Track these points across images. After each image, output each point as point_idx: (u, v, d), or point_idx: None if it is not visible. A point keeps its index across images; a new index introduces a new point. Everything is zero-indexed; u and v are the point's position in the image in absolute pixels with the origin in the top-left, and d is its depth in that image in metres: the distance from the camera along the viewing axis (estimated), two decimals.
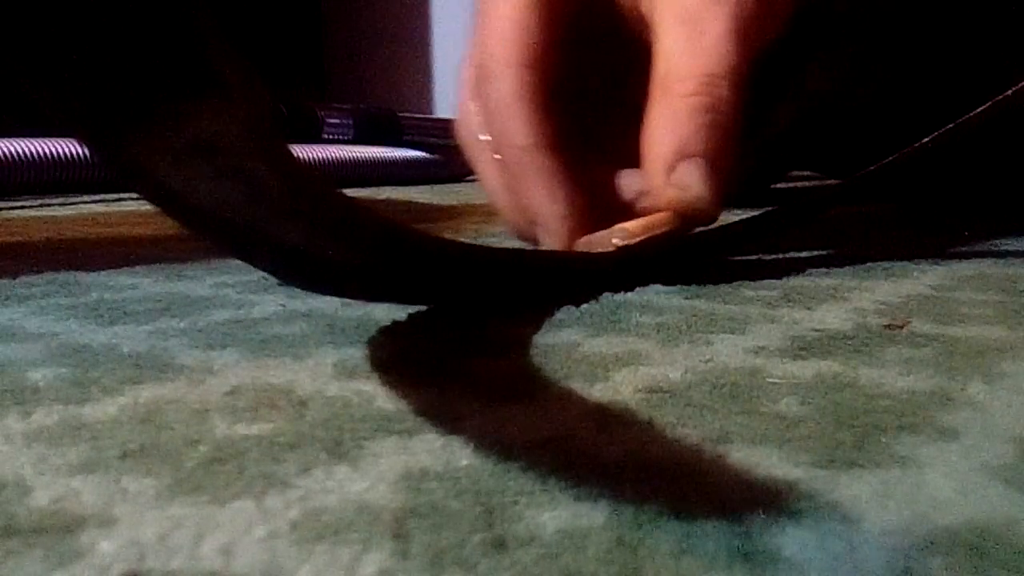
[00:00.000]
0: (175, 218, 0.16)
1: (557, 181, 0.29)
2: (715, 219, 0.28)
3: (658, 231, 0.26)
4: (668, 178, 0.27)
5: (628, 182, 0.30)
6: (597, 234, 0.27)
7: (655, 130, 0.28)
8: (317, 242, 0.18)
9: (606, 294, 0.24)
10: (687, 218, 0.27)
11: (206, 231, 0.17)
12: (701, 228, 0.29)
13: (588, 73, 0.33)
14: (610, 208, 0.30)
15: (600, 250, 0.26)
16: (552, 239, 0.29)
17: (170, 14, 0.12)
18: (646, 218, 0.27)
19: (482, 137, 0.31)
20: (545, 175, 0.29)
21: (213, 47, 0.12)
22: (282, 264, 0.19)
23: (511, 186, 0.30)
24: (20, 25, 0.11)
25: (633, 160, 0.29)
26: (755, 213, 0.31)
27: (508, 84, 0.30)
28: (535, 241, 0.30)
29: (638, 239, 0.26)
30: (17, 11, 0.11)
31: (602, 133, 0.33)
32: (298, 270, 0.20)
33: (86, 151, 0.71)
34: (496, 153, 0.31)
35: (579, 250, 0.27)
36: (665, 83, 0.28)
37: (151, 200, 0.15)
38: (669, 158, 0.27)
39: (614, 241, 0.26)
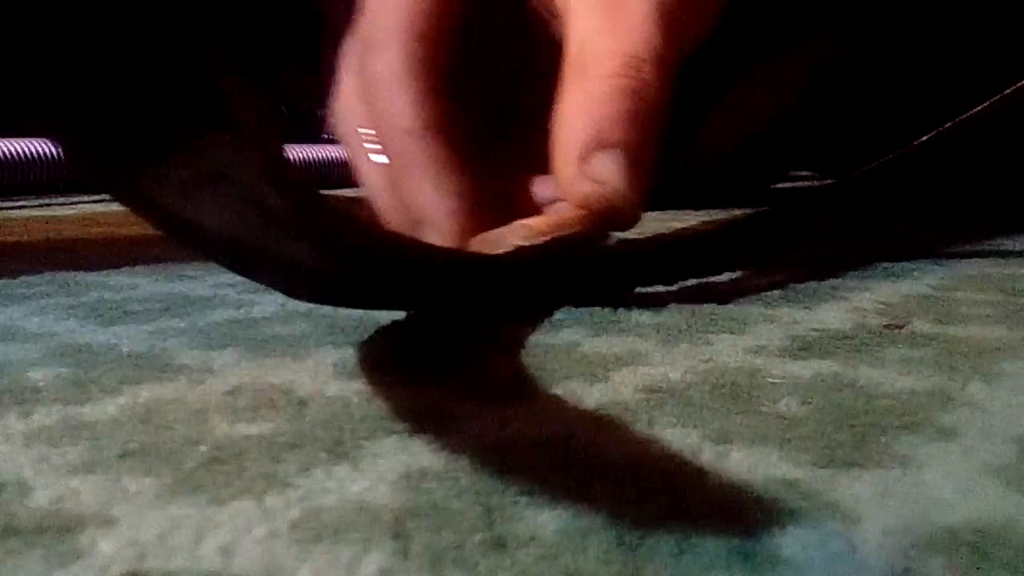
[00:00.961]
0: (183, 243, 0.16)
1: (445, 171, 0.25)
2: (635, 222, 0.24)
3: (568, 231, 0.22)
4: (581, 169, 0.23)
5: (540, 188, 0.27)
6: (494, 232, 0.23)
7: (568, 115, 0.24)
8: (324, 259, 0.18)
9: (606, 294, 0.24)
10: (602, 218, 0.23)
11: (214, 254, 0.17)
12: (619, 234, 0.25)
13: (493, 64, 0.29)
14: (517, 215, 0.25)
15: (498, 251, 0.22)
16: (437, 239, 0.25)
17: (183, 52, 0.12)
18: (554, 215, 0.23)
19: (361, 127, 0.27)
20: (431, 164, 0.25)
21: (226, 84, 0.12)
22: (289, 281, 0.19)
23: (393, 178, 0.26)
24: (34, 64, 0.11)
25: (544, 164, 0.25)
26: (752, 212, 0.31)
27: (393, 57, 0.25)
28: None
29: (544, 239, 0.22)
30: (31, 49, 0.11)
31: (509, 134, 0.29)
32: (305, 285, 0.20)
33: None
34: (376, 139, 0.26)
35: (472, 251, 0.24)
36: (581, 63, 0.24)
37: (159, 228, 0.15)
38: (583, 146, 0.23)
39: (513, 242, 0.22)
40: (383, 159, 0.26)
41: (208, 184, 0.14)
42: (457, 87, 0.27)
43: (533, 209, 0.26)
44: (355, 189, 0.29)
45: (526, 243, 0.22)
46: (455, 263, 0.22)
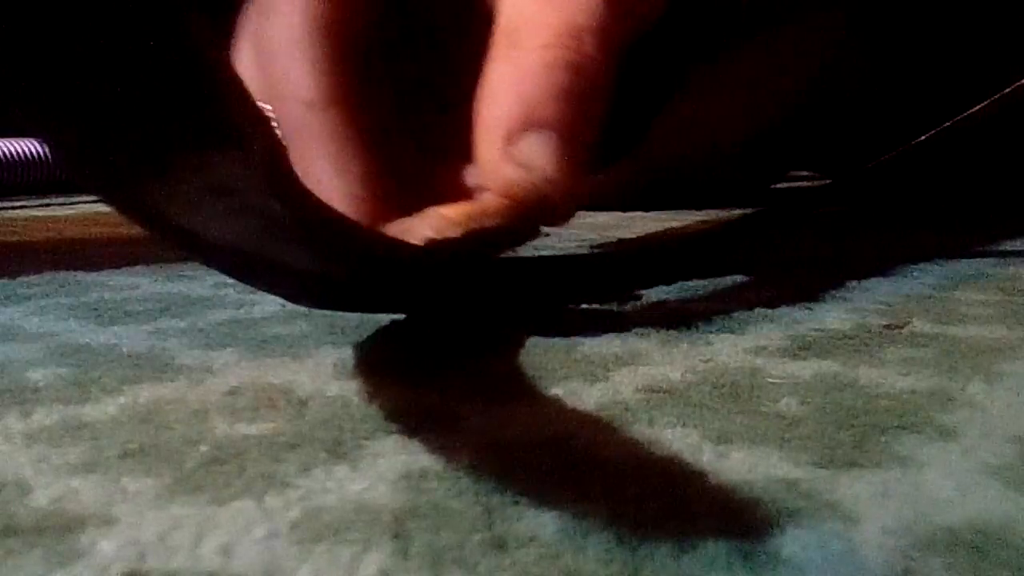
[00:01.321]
0: (186, 253, 0.16)
1: (347, 150, 0.22)
2: (568, 215, 0.21)
3: (488, 223, 0.19)
4: (506, 152, 0.20)
5: (470, 175, 0.23)
6: (404, 221, 0.20)
7: (494, 90, 0.20)
8: (327, 265, 0.18)
9: (606, 294, 0.24)
10: (529, 208, 0.20)
11: (216, 262, 0.17)
12: (548, 228, 0.22)
13: (413, 32, 0.26)
14: (426, 200, 0.21)
15: (411, 241, 0.19)
16: None
17: (190, 68, 0.12)
18: (474, 203, 0.20)
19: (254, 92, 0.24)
20: (331, 141, 0.22)
21: (230, 99, 0.12)
22: (290, 286, 0.19)
23: (291, 151, 0.22)
24: (44, 78, 0.11)
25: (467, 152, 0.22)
26: (752, 212, 0.31)
27: (293, 21, 0.22)
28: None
29: (459, 231, 0.19)
30: (41, 63, 0.11)
31: (433, 114, 0.25)
32: (306, 291, 0.20)
33: None
34: (271, 113, 0.23)
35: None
36: (512, 34, 0.21)
37: (162, 238, 0.15)
38: (509, 126, 0.20)
39: (424, 233, 0.19)
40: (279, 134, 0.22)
41: (213, 197, 0.14)
42: (369, 56, 0.24)
43: (460, 198, 0.22)
44: None
45: (438, 236, 0.19)
46: (452, 266, 0.22)
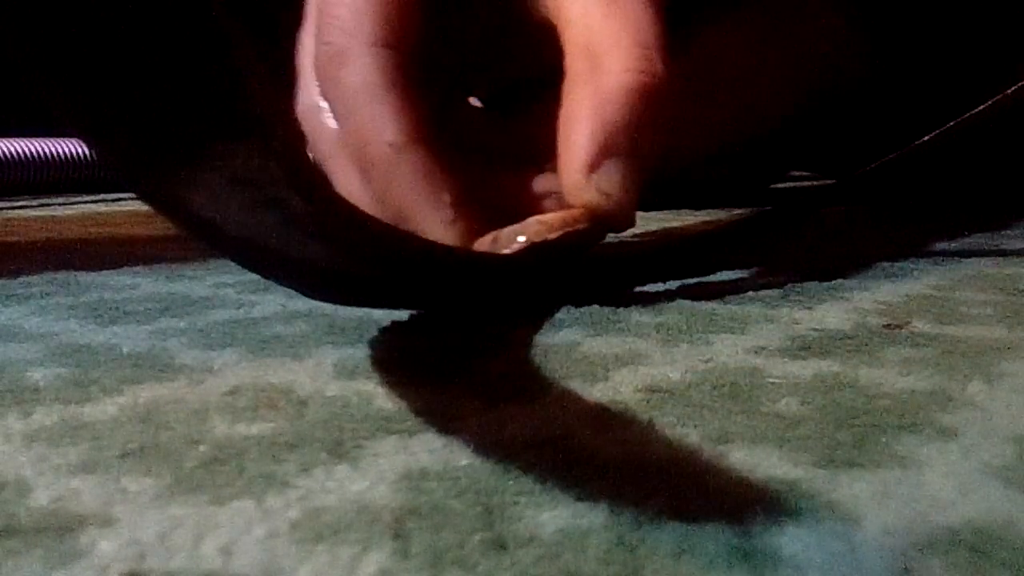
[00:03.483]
0: (206, 244, 0.16)
1: (435, 182, 0.24)
2: (631, 225, 0.24)
3: (578, 227, 0.23)
4: (587, 178, 0.23)
5: (537, 183, 0.26)
6: (506, 230, 0.23)
7: (577, 116, 0.23)
8: (344, 260, 0.18)
9: (606, 294, 0.24)
10: (602, 223, 0.24)
11: (236, 255, 0.17)
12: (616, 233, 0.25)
13: (465, 52, 0.28)
14: (503, 211, 0.25)
15: (508, 248, 0.22)
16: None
17: (215, 59, 0.12)
18: (562, 212, 0.23)
19: (335, 135, 0.26)
20: (420, 176, 0.24)
21: (254, 89, 0.12)
22: (307, 280, 0.19)
23: (379, 192, 0.25)
24: (64, 69, 0.11)
25: (533, 156, 0.25)
26: (752, 213, 0.31)
27: (367, 69, 0.24)
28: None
29: (556, 234, 0.22)
30: (61, 56, 0.11)
31: (491, 129, 0.28)
32: (322, 285, 0.20)
33: (86, 151, 0.71)
34: (356, 153, 0.25)
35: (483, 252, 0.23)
36: (590, 56, 0.23)
37: (182, 228, 0.15)
38: (591, 155, 0.23)
39: (528, 238, 0.22)
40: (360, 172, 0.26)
41: (235, 188, 0.14)
42: (436, 88, 0.26)
43: (528, 203, 0.26)
44: None
45: (538, 239, 0.22)
46: (470, 264, 0.22)
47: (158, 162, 0.13)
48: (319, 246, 0.17)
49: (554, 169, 0.24)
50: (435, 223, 0.24)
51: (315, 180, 0.15)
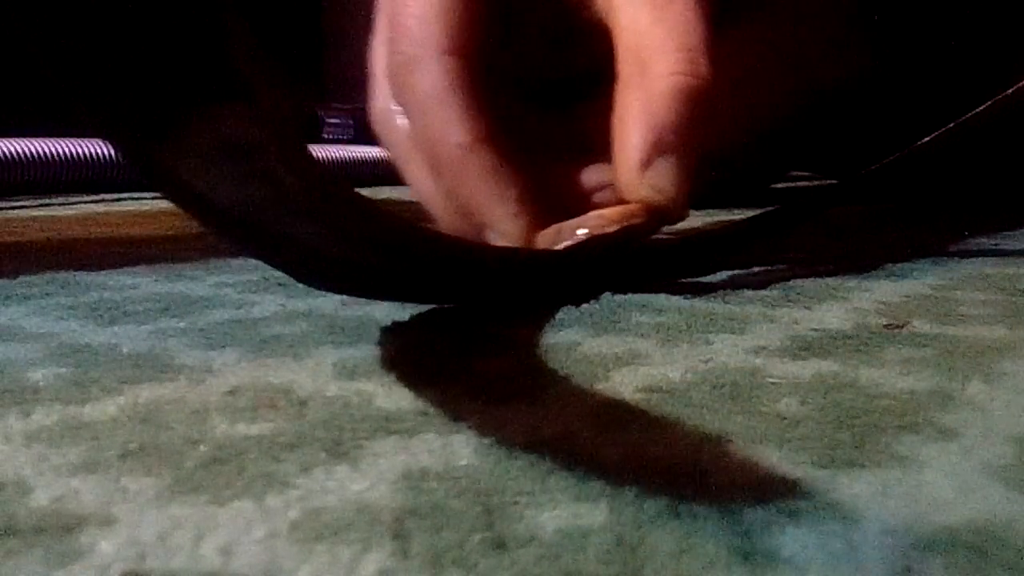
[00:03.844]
0: (196, 218, 0.16)
1: (503, 179, 0.26)
2: (683, 218, 0.26)
3: (635, 220, 0.25)
4: (641, 175, 0.25)
5: (588, 176, 0.28)
6: (567, 224, 0.25)
7: (629, 118, 0.25)
8: (337, 243, 0.18)
9: (606, 294, 0.24)
10: (657, 217, 0.26)
11: (226, 231, 0.17)
12: (669, 226, 0.27)
13: (524, 55, 0.30)
14: (556, 203, 0.27)
15: (567, 242, 0.25)
16: (505, 240, 0.26)
17: (199, 18, 0.12)
18: (621, 207, 0.25)
19: (406, 136, 0.28)
20: (489, 174, 0.26)
21: (240, 51, 0.12)
22: (301, 264, 0.19)
23: (450, 188, 0.27)
24: (51, 29, 0.11)
25: (584, 150, 0.27)
26: (755, 213, 0.31)
27: (436, 75, 0.26)
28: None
29: (615, 227, 0.25)
30: (48, 16, 0.11)
31: (530, 121, 0.30)
32: (317, 270, 0.20)
33: (86, 151, 0.71)
34: (427, 153, 0.27)
35: (541, 245, 0.25)
36: (638, 59, 0.25)
37: (173, 200, 0.15)
38: (644, 154, 0.25)
39: (581, 232, 0.24)
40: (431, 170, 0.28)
41: (223, 156, 0.14)
42: (500, 88, 0.28)
43: (580, 196, 0.28)
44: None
45: (599, 232, 0.24)
46: (478, 258, 0.22)
47: (146, 122, 0.13)
48: (313, 227, 0.17)
49: (603, 161, 0.26)
50: (502, 217, 0.26)
51: (303, 150, 0.15)
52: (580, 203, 0.27)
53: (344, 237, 0.17)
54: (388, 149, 0.30)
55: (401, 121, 0.28)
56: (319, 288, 0.22)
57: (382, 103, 0.29)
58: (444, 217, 0.28)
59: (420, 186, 0.29)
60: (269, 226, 0.16)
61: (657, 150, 0.25)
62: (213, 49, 0.12)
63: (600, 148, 0.26)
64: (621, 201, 0.26)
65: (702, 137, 0.25)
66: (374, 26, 0.30)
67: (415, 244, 0.19)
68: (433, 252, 0.20)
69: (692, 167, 0.25)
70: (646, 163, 0.25)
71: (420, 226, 0.20)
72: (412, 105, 0.27)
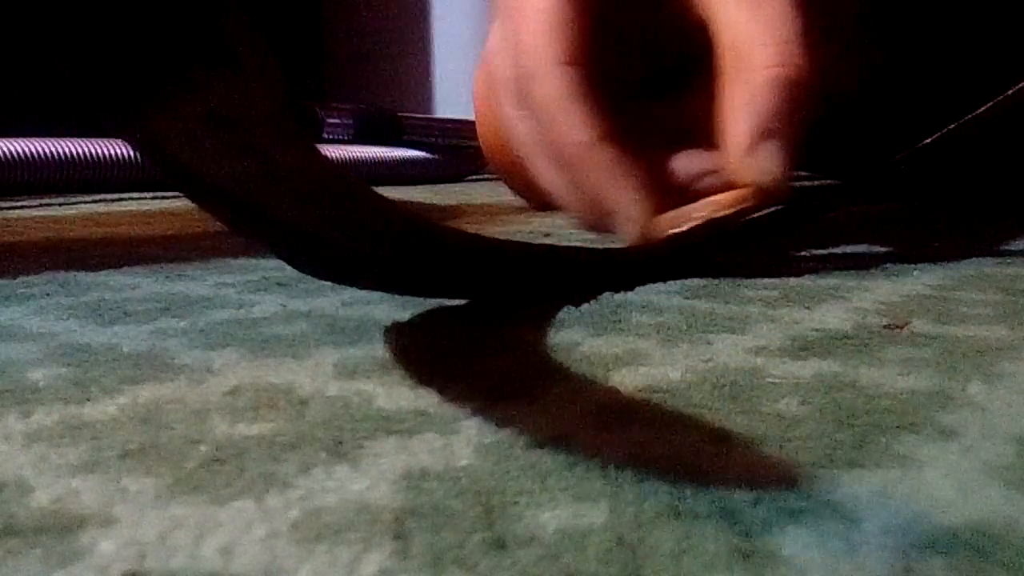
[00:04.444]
0: (191, 196, 0.16)
1: (624, 170, 0.29)
2: (785, 197, 0.29)
3: (746, 204, 0.28)
4: (748, 159, 0.27)
5: (686, 161, 0.31)
6: (684, 208, 0.28)
7: (734, 108, 0.28)
8: (333, 229, 0.17)
9: (606, 294, 0.24)
10: (765, 197, 0.28)
11: (220, 211, 0.17)
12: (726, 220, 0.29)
13: (618, 53, 0.33)
14: (664, 188, 0.30)
15: (686, 225, 0.28)
16: (631, 226, 0.29)
17: None
18: (733, 192, 0.28)
19: (532, 137, 0.31)
20: (611, 166, 0.29)
21: (226, 18, 0.12)
22: (295, 249, 0.19)
23: (577, 182, 0.30)
24: None
25: (664, 138, 0.30)
26: (756, 213, 0.31)
27: (556, 84, 0.30)
28: (610, 231, 0.30)
29: (730, 211, 0.28)
30: None
31: (633, 114, 0.32)
32: (311, 256, 0.19)
33: (87, 151, 0.71)
34: (553, 153, 0.30)
35: (663, 229, 0.28)
36: (738, 54, 0.28)
37: (166, 176, 0.15)
38: (750, 139, 0.28)
39: (698, 216, 0.28)
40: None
41: (211, 127, 0.14)
42: (601, 81, 0.30)
43: (685, 181, 0.31)
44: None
45: (715, 216, 0.28)
46: (474, 251, 0.23)
47: (133, 86, 0.13)
48: (310, 212, 0.16)
49: (697, 148, 0.30)
50: (626, 204, 0.29)
51: (292, 126, 0.15)
52: (682, 188, 0.30)
53: (342, 223, 0.17)
54: (520, 148, 0.33)
55: (523, 124, 0.31)
56: (317, 277, 0.22)
57: (507, 110, 0.32)
58: (572, 207, 0.31)
59: (546, 180, 0.32)
60: (265, 208, 0.16)
61: (762, 136, 0.27)
62: (199, 13, 0.12)
63: (695, 135, 0.29)
64: (726, 186, 0.28)
65: (799, 122, 0.28)
66: (483, 48, 0.35)
67: (415, 233, 0.19)
68: (432, 243, 0.20)
69: (791, 149, 0.28)
70: (752, 148, 0.27)
71: (420, 216, 0.20)
72: (536, 111, 0.30)
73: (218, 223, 0.17)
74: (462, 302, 0.23)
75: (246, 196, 0.16)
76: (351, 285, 0.22)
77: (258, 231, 0.18)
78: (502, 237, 0.24)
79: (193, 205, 0.16)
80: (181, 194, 0.15)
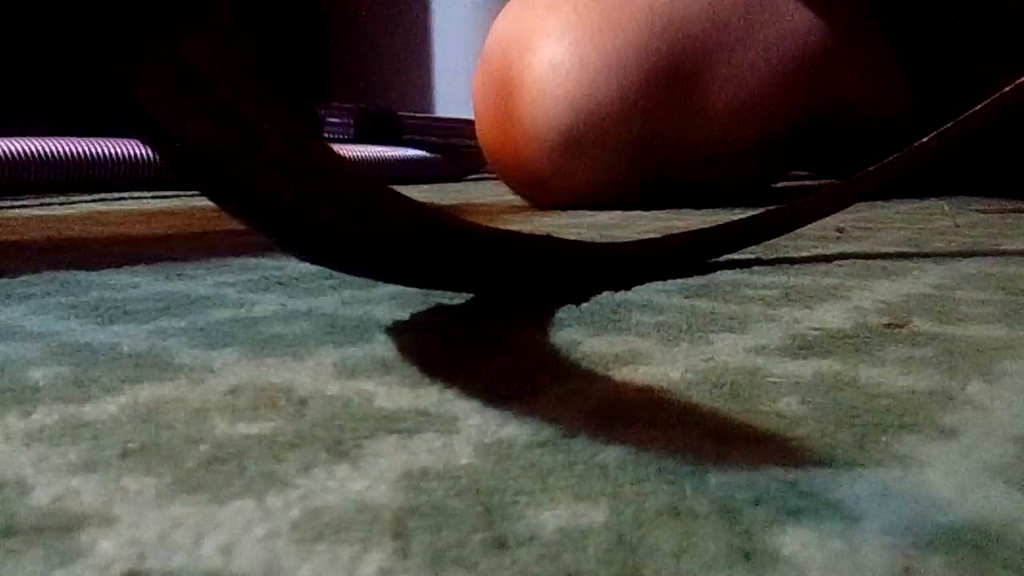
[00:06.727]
0: (172, 164, 0.15)
1: None
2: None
3: None
4: None
5: None
6: None
7: None
8: (314, 205, 0.17)
9: (606, 293, 0.24)
10: None
11: (202, 181, 0.16)
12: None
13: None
14: None
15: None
16: None
17: None
18: None
19: None
20: None
21: None
22: (276, 225, 0.18)
23: None
24: None
25: None
26: (755, 213, 0.31)
27: None
28: None
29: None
30: None
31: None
32: (293, 234, 0.19)
33: (88, 151, 0.71)
34: None
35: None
36: None
37: (145, 140, 0.15)
38: None
39: None
40: None
41: (186, 88, 0.13)
42: None
43: None
44: None
45: None
46: (473, 239, 0.22)
47: (103, 46, 0.13)
48: (291, 185, 0.16)
49: None
50: None
51: (273, 91, 0.14)
52: None
53: (324, 200, 0.16)
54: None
55: None
56: (303, 259, 0.21)
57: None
58: None
59: None
60: (244, 179, 0.15)
61: None
62: None
63: None
64: None
65: None
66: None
67: (401, 213, 0.18)
68: (421, 227, 0.19)
69: None
70: None
71: (408, 198, 0.18)
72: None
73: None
74: (461, 301, 0.23)
75: (226, 166, 0.15)
76: (332, 267, 0.22)
77: (234, 201, 0.17)
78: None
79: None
80: (161, 158, 0.15)
